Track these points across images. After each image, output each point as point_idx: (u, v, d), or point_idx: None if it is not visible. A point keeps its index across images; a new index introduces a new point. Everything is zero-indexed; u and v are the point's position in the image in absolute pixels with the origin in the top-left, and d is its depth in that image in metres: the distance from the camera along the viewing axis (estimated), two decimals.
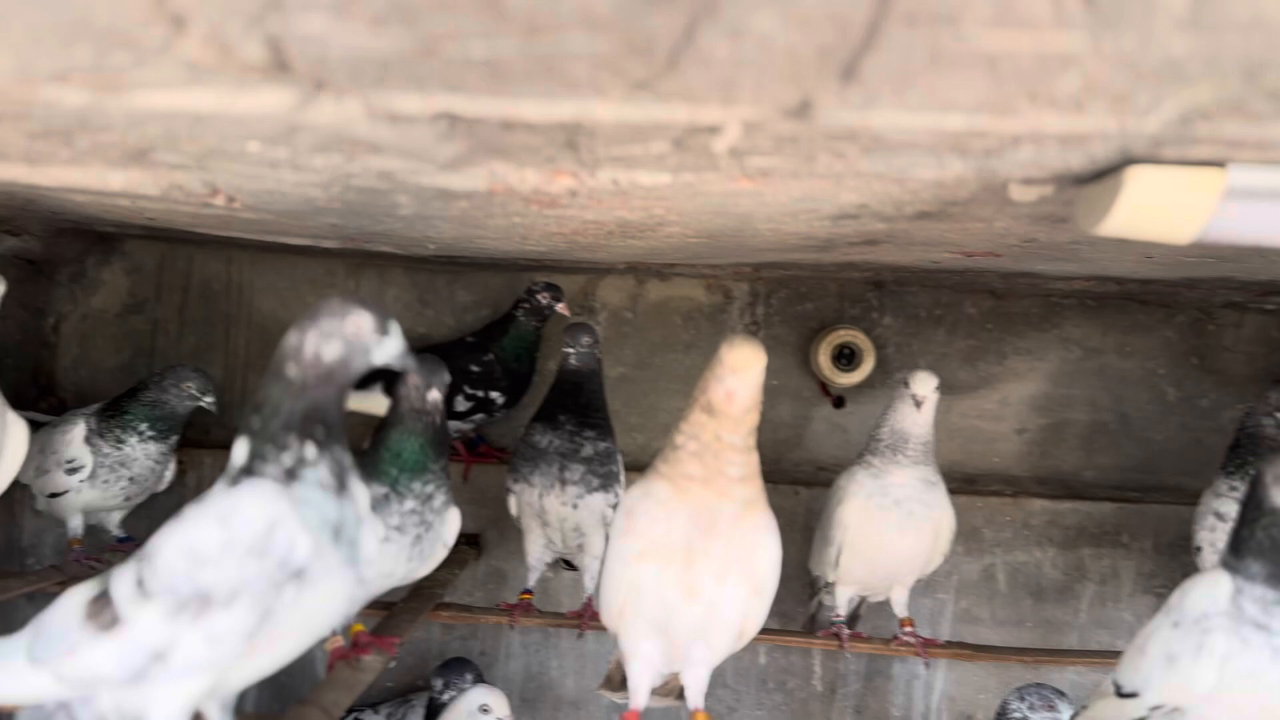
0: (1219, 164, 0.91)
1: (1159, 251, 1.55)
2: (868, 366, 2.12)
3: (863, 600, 1.92)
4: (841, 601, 1.77)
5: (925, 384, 1.65)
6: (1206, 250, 1.52)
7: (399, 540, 1.39)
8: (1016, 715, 1.57)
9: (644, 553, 1.22)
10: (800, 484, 2.16)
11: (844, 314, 2.21)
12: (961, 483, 2.19)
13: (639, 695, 1.30)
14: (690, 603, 1.21)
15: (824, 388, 2.20)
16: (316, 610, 0.94)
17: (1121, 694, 1.29)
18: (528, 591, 1.80)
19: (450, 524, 1.47)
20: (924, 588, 2.12)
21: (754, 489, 1.22)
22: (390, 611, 1.60)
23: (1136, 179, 0.92)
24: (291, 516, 0.91)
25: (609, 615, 1.30)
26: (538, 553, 1.79)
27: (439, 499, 1.42)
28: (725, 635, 1.25)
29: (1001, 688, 2.06)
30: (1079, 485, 2.18)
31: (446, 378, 1.43)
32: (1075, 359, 2.21)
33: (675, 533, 1.20)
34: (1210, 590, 1.20)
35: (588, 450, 1.77)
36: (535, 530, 1.79)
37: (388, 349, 0.98)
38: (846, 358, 2.15)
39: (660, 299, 2.23)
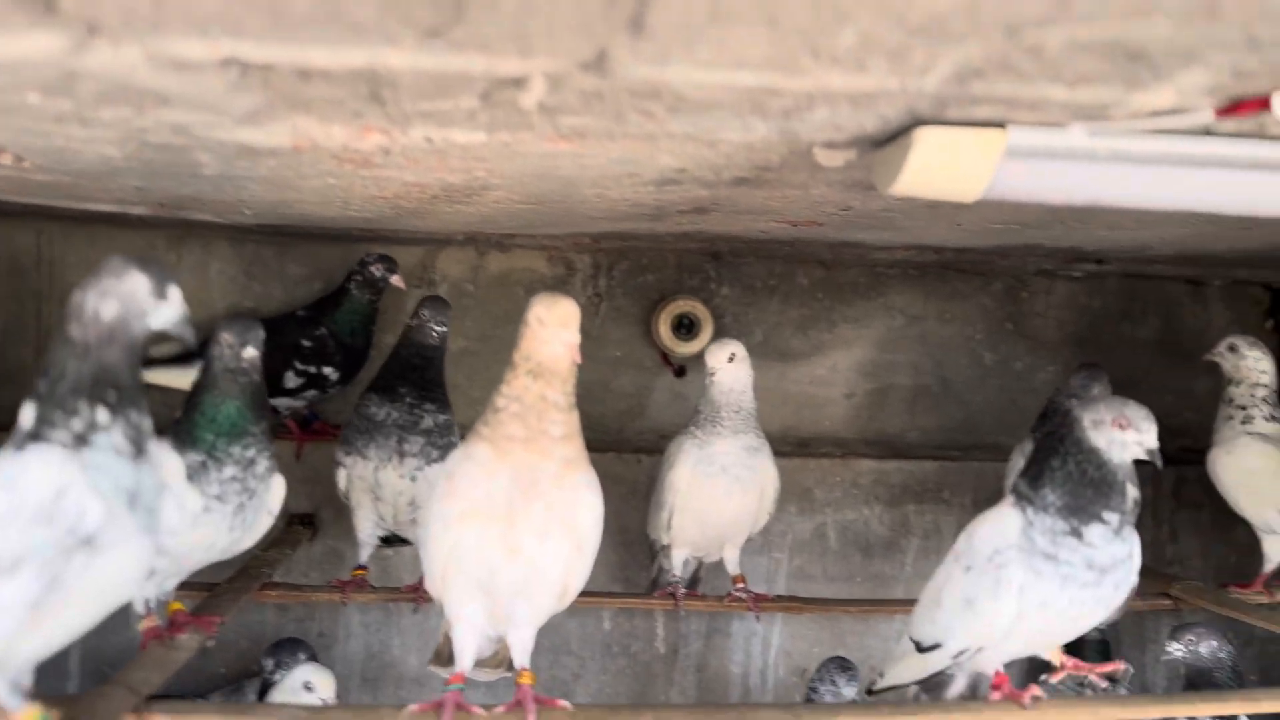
0: (1000, 125, 0.97)
1: (966, 218, 1.64)
2: (706, 336, 2.17)
3: (700, 563, 1.97)
4: (677, 563, 1.81)
5: (714, 356, 1.72)
6: (1009, 216, 1.61)
7: (220, 509, 1.33)
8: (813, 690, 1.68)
9: (465, 514, 1.22)
10: (643, 452, 2.19)
11: (683, 285, 2.25)
12: (795, 446, 2.27)
13: (464, 658, 1.29)
14: (512, 562, 1.21)
15: (665, 357, 2.24)
16: (109, 579, 0.90)
17: (923, 649, 1.36)
18: (361, 567, 1.77)
19: (275, 491, 1.43)
20: (760, 547, 2.20)
21: (575, 448, 1.24)
22: (212, 591, 1.55)
23: (924, 139, 0.97)
24: (80, 482, 0.87)
25: (432, 581, 1.29)
26: (369, 528, 1.76)
27: (261, 464, 1.37)
28: (548, 594, 1.26)
29: (834, 641, 2.16)
30: (904, 446, 2.29)
31: (261, 334, 1.38)
32: (899, 326, 2.31)
33: (497, 493, 1.20)
34: (999, 527, 1.28)
35: (428, 422, 1.75)
36: (366, 505, 1.76)
37: (165, 314, 0.96)
38: (686, 327, 2.19)
39: (501, 271, 2.21)
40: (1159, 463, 1.23)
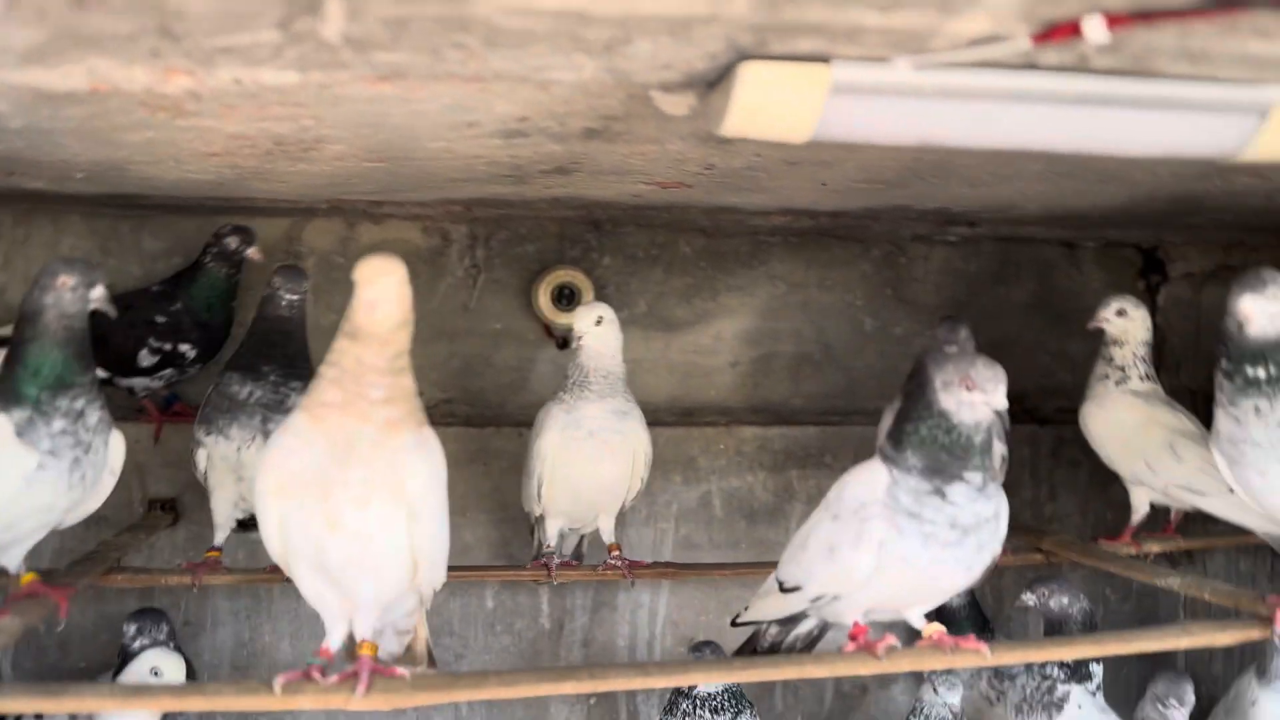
0: (824, 60, 0.95)
1: (829, 177, 1.63)
2: None
3: (582, 538, 1.94)
4: (551, 533, 1.78)
5: (582, 320, 1.69)
6: (869, 174, 1.61)
7: (55, 466, 1.24)
8: None
9: (281, 488, 1.16)
10: (525, 426, 2.13)
11: (564, 255, 2.21)
12: (680, 415, 2.25)
13: (332, 635, 1.24)
14: (335, 535, 1.15)
15: (547, 329, 2.20)
16: None
17: (784, 589, 1.36)
18: (215, 549, 1.69)
19: (115, 449, 1.35)
20: (645, 518, 2.18)
21: (401, 410, 1.16)
22: (55, 574, 1.46)
23: (748, 75, 0.94)
24: None
25: (278, 560, 1.23)
26: (227, 510, 1.68)
27: (93, 416, 1.29)
28: (391, 567, 1.20)
29: (721, 609, 2.15)
30: (788, 412, 2.29)
31: (102, 278, 1.29)
32: (782, 294, 2.31)
33: (311, 464, 1.14)
34: (867, 482, 1.27)
35: (294, 401, 1.68)
36: (227, 486, 1.68)
37: None
38: (568, 298, 2.15)
39: (373, 243, 2.14)
40: (1005, 423, 1.23)
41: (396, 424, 1.15)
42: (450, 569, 1.75)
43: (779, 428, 2.25)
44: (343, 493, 1.13)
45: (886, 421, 1.86)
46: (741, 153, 1.44)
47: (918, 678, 1.91)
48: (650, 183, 1.70)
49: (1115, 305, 1.94)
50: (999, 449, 1.87)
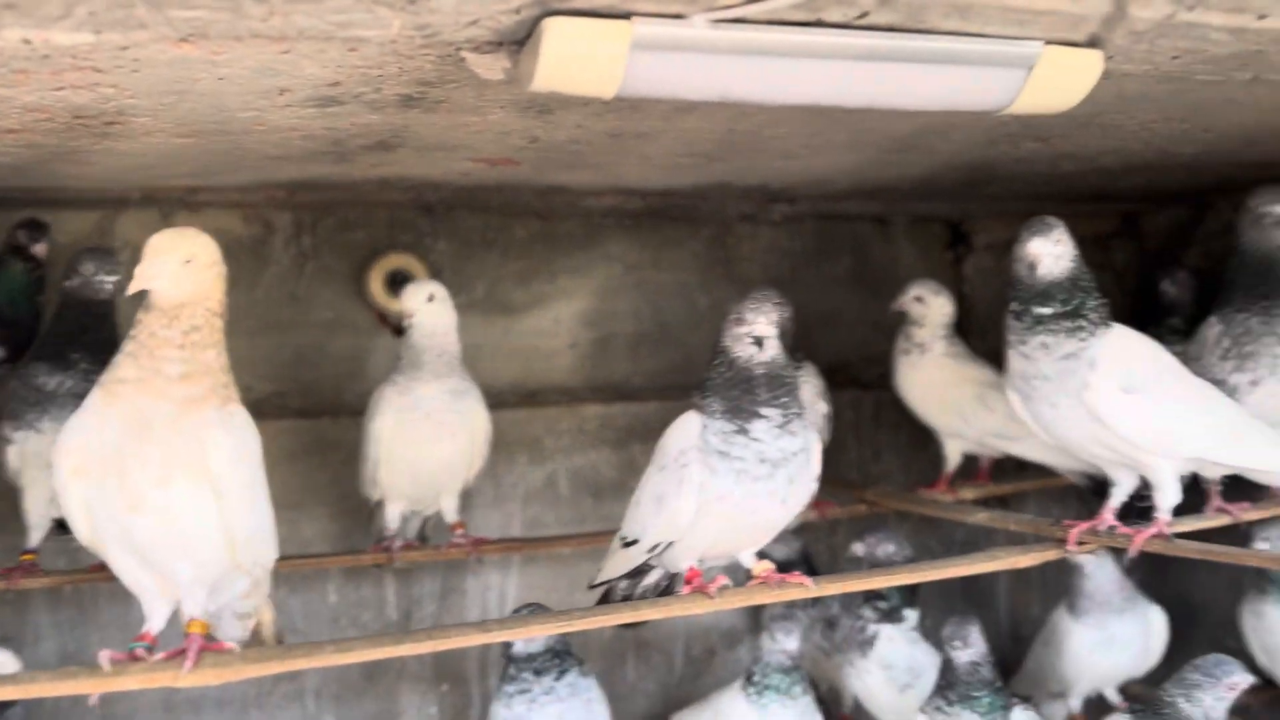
0: (625, 16, 0.99)
1: (650, 150, 1.68)
2: None
3: (425, 520, 1.93)
4: (393, 518, 1.77)
5: (412, 298, 1.69)
6: (688, 146, 1.67)
7: None
8: None
9: (79, 469, 1.12)
10: (362, 415, 2.11)
11: (396, 241, 2.19)
12: (524, 398, 2.27)
13: (152, 618, 1.21)
14: (139, 515, 1.12)
15: (381, 316, 2.17)
16: None
17: (626, 544, 1.41)
18: (30, 551, 1.60)
19: None
20: (492, 500, 2.18)
21: (203, 387, 1.15)
22: None
23: (552, 30, 0.98)
24: None
25: (87, 544, 1.18)
26: (41, 509, 1.59)
27: None
28: (204, 546, 1.17)
29: (572, 586, 2.17)
30: (629, 390, 2.34)
31: None
32: (619, 275, 2.36)
33: (108, 442, 1.11)
34: (683, 430, 1.34)
35: None
36: (41, 483, 1.59)
37: None
38: (402, 284, 2.13)
39: None
40: (763, 351, 1.30)
41: (197, 401, 1.13)
42: (287, 559, 1.72)
43: (621, 404, 2.30)
44: (141, 472, 1.10)
45: None
46: (563, 124, 1.47)
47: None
48: (478, 159, 1.72)
49: (914, 292, 2.10)
50: (822, 407, 1.97)
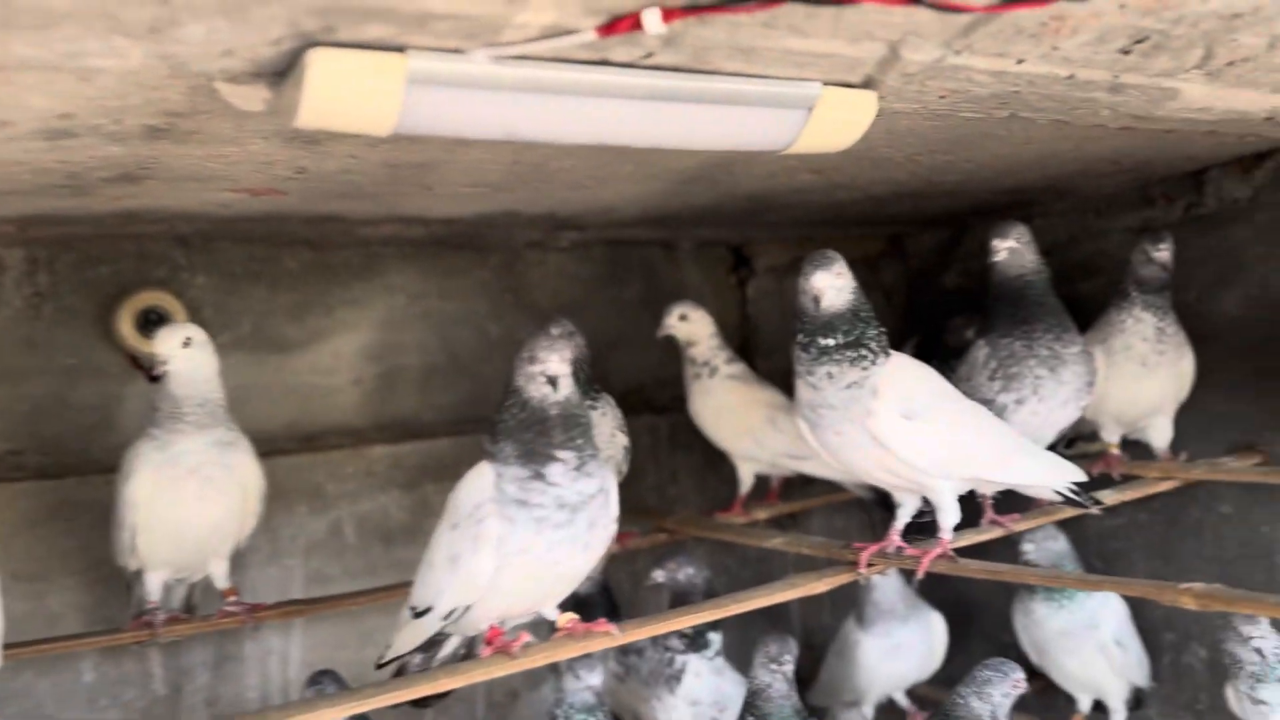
0: (400, 49, 0.92)
1: (433, 180, 1.60)
2: None
3: (192, 586, 1.75)
4: (153, 587, 1.58)
5: (165, 343, 1.53)
6: (475, 178, 1.60)
7: None
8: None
9: None
10: (114, 471, 1.90)
11: (148, 276, 1.99)
12: (302, 441, 2.12)
13: None
14: None
15: (134, 360, 1.96)
16: None
17: (417, 614, 1.31)
18: None
19: None
20: (268, 556, 2.02)
21: None
22: None
23: (319, 63, 0.89)
24: None
25: None
26: None
27: None
28: None
29: (362, 641, 2.04)
30: (418, 426, 2.23)
31: None
32: (402, 305, 2.25)
33: None
34: (477, 482, 1.27)
35: None
36: None
37: None
38: (156, 324, 1.94)
39: None
40: (557, 391, 1.26)
41: None
42: (29, 643, 1.52)
43: (410, 443, 2.19)
44: None
45: None
46: (334, 154, 1.37)
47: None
48: (238, 189, 1.57)
49: (676, 312, 2.11)
50: (622, 439, 1.95)
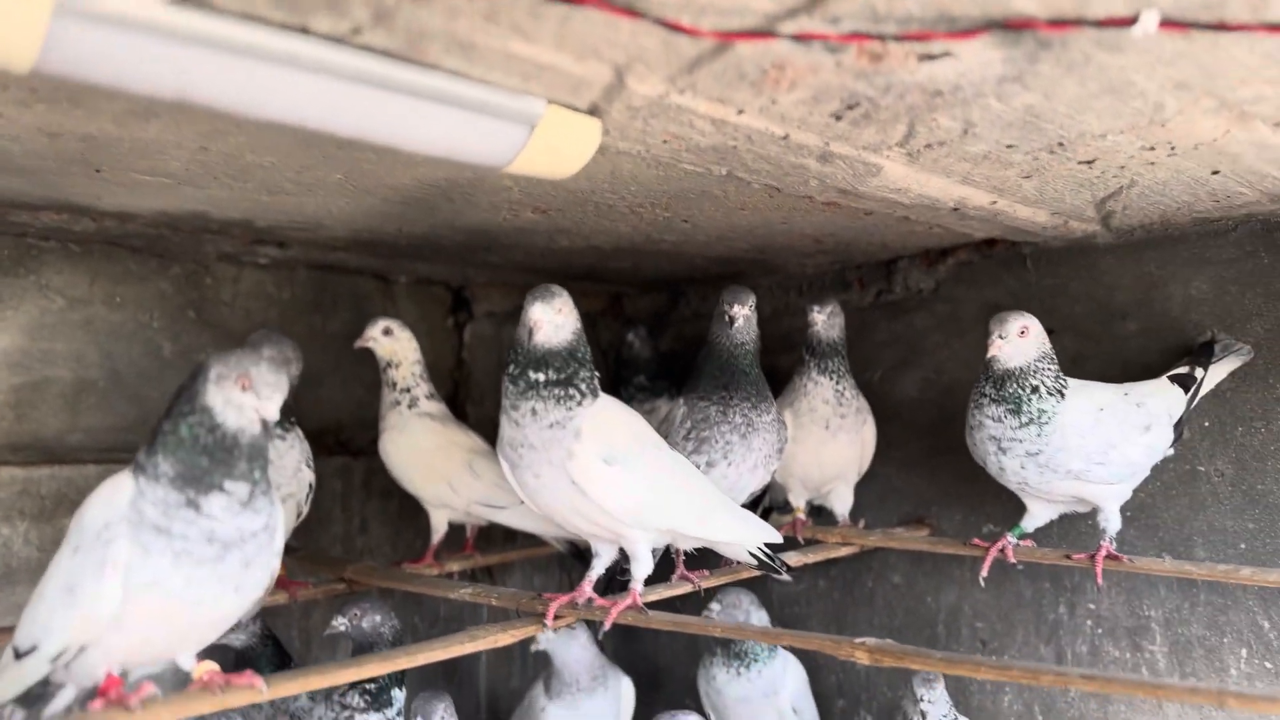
0: None
1: (106, 160, 1.40)
2: None
3: None
4: None
5: None
6: (159, 168, 1.41)
7: None
8: None
9: None
10: None
11: None
12: None
13: None
14: None
15: None
16: None
17: (20, 655, 1.09)
18: None
19: None
20: None
21: None
22: None
23: None
24: None
25: None
26: None
27: None
28: None
29: None
30: (62, 450, 1.93)
31: None
32: (57, 310, 1.96)
33: None
34: (109, 497, 1.07)
35: None
36: None
37: None
38: None
39: None
40: (269, 425, 1.12)
41: None
42: None
43: (49, 468, 1.88)
44: None
45: None
46: None
47: None
48: None
49: (381, 324, 2.00)
50: (307, 475, 1.78)
